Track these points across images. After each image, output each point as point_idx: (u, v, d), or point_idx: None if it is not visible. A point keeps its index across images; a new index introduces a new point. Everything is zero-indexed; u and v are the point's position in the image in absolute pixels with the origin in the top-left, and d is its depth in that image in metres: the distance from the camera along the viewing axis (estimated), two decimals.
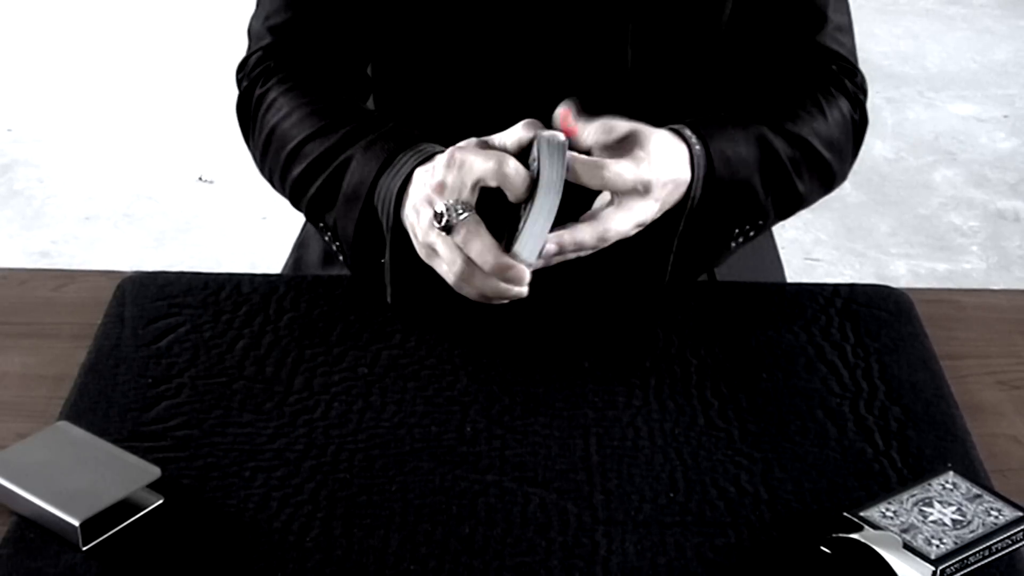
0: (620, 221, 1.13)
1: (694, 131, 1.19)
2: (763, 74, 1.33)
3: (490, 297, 1.12)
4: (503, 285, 1.10)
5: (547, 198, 1.08)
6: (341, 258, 1.25)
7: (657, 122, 1.27)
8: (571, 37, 1.29)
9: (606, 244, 1.13)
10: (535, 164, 1.10)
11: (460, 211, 1.10)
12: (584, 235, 1.12)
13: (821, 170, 1.29)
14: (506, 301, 1.12)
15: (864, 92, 1.35)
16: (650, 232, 1.19)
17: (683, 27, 1.29)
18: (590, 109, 1.32)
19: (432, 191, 1.12)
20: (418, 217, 1.13)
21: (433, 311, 1.20)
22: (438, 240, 1.11)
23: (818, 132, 1.27)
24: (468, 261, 1.10)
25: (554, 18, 1.29)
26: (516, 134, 1.13)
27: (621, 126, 1.15)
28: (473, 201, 1.11)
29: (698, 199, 1.19)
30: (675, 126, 1.20)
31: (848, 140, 1.32)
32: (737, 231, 1.24)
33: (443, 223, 1.11)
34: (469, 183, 1.10)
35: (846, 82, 1.33)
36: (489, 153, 1.11)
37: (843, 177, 1.34)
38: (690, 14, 1.29)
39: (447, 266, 1.12)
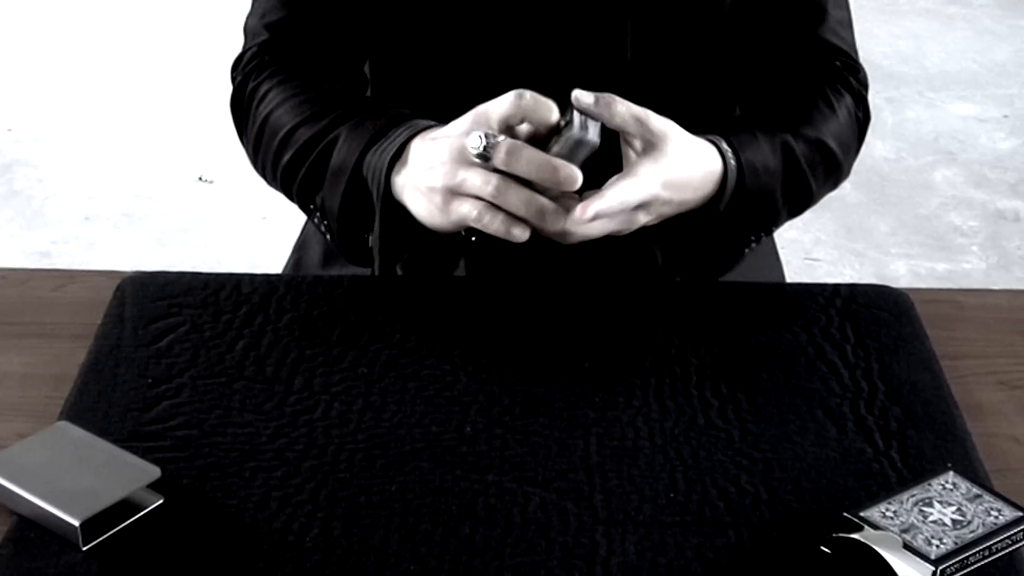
0: (627, 189, 1.12)
1: (729, 144, 1.20)
2: (768, 71, 1.34)
3: (525, 217, 1.10)
4: (541, 200, 1.09)
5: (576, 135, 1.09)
6: (328, 237, 1.25)
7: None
8: (570, 32, 1.29)
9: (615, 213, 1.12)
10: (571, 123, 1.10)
11: (496, 138, 1.10)
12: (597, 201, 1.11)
13: (834, 169, 1.30)
14: (526, 235, 1.11)
15: (866, 88, 1.36)
16: (665, 232, 1.19)
17: (683, 21, 1.29)
18: None
19: (457, 136, 1.12)
20: (431, 171, 1.13)
21: (430, 304, 1.20)
22: (470, 172, 1.10)
23: (833, 132, 1.29)
24: (503, 179, 1.09)
25: (553, 13, 1.29)
26: (506, 103, 1.12)
27: (655, 123, 1.14)
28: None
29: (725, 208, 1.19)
30: (712, 137, 1.20)
31: (854, 137, 1.34)
32: (752, 237, 1.25)
33: (481, 150, 1.09)
34: (495, 124, 1.11)
35: (851, 79, 1.33)
36: (502, 98, 1.11)
37: (848, 173, 1.35)
38: (690, 8, 1.29)
39: (479, 191, 1.10)
